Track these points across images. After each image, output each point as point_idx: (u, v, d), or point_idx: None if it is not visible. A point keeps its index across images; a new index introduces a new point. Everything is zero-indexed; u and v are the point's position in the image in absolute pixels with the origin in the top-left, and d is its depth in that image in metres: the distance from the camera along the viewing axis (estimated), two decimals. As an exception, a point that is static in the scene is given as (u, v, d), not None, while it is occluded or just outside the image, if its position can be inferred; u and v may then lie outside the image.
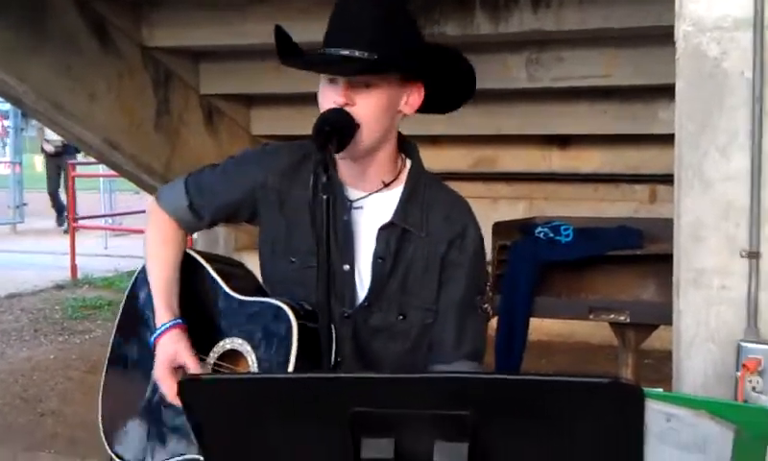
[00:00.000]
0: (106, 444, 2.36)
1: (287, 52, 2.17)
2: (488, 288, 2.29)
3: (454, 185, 2.30)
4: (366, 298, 2.19)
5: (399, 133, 2.23)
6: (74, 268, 10.93)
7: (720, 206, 2.80)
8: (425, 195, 2.21)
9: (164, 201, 2.36)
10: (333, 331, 2.06)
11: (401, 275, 2.18)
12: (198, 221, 2.35)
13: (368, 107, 2.07)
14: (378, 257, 2.18)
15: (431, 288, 2.19)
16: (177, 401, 2.10)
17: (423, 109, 2.21)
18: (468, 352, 2.20)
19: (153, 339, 2.23)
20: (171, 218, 2.34)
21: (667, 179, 3.34)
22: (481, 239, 2.25)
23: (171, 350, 2.20)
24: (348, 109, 2.06)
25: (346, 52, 2.06)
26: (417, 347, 2.21)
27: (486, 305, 2.27)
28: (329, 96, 2.09)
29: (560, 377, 1.36)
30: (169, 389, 2.19)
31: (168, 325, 2.22)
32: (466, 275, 2.20)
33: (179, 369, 2.20)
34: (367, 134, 2.08)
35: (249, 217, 2.32)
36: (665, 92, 4.99)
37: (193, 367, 2.18)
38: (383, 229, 2.18)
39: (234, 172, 2.32)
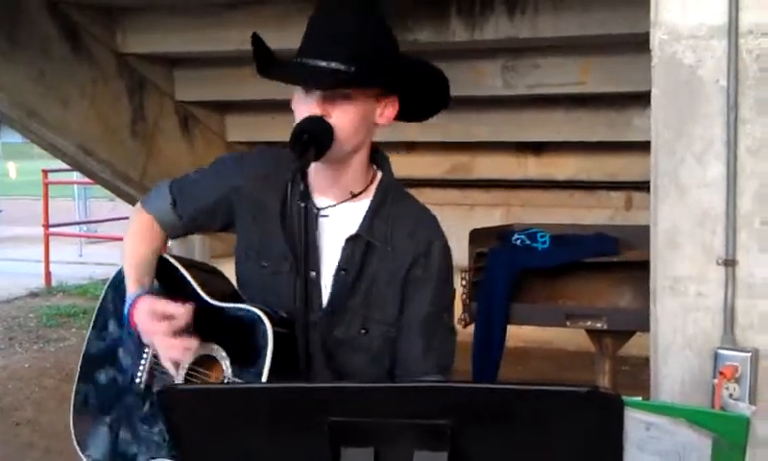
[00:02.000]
0: (77, 447, 2.34)
1: (265, 64, 2.15)
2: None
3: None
4: (325, 308, 2.17)
5: (373, 144, 2.23)
6: (48, 276, 10.86)
7: (696, 213, 2.82)
8: (392, 208, 2.20)
9: (148, 203, 2.38)
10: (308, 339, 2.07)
11: (365, 288, 2.17)
12: (178, 221, 2.34)
13: (344, 119, 2.07)
14: (341, 269, 2.16)
15: (394, 304, 2.17)
16: (173, 354, 2.11)
17: (398, 117, 2.20)
18: (434, 365, 2.17)
19: (126, 311, 2.20)
20: (152, 218, 2.35)
21: (643, 186, 3.36)
22: (447, 257, 2.22)
23: (148, 307, 2.15)
24: None
25: (323, 63, 2.05)
26: (378, 360, 2.19)
27: (453, 324, 2.26)
28: (304, 107, 2.08)
29: (539, 386, 1.37)
30: (161, 340, 2.12)
31: (139, 293, 2.20)
32: (431, 292, 2.17)
33: (166, 319, 2.13)
34: (342, 145, 2.08)
35: (224, 223, 2.32)
36: (640, 99, 5.02)
37: (176, 311, 2.11)
38: (349, 240, 2.16)
39: (212, 176, 2.33)
